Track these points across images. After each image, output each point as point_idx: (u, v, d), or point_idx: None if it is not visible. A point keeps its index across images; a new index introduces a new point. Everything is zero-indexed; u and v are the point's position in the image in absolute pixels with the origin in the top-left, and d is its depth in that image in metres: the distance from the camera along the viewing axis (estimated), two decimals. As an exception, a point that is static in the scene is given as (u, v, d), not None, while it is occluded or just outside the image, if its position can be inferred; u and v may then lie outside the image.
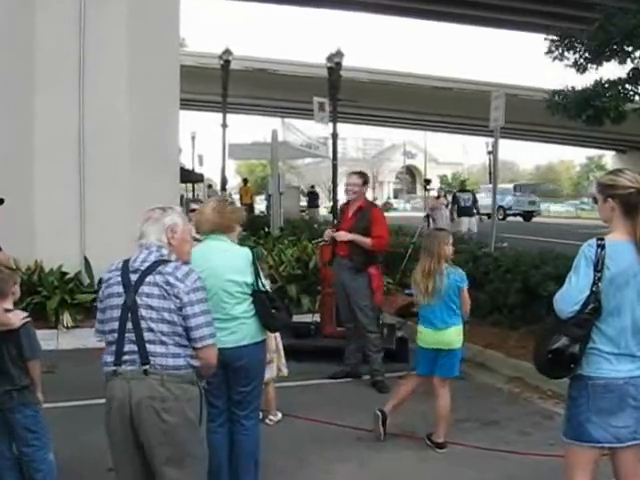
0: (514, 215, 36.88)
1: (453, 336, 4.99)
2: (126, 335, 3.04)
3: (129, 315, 3.05)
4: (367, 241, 6.46)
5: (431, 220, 16.88)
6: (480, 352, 7.40)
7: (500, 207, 34.14)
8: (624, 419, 3.01)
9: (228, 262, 3.91)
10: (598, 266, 2.96)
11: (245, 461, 4.00)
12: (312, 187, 33.17)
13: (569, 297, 3.00)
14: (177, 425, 3.02)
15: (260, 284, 3.96)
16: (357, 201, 6.68)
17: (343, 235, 6.56)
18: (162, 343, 3.04)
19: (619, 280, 2.98)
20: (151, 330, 3.03)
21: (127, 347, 3.04)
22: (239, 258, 3.95)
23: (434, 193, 25.17)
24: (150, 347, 3.03)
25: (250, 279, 3.91)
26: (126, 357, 3.04)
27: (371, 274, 6.62)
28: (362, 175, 6.85)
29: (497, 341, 7.54)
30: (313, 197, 30.43)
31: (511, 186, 41.15)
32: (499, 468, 4.68)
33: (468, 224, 17.60)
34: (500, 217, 32.99)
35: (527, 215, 38.30)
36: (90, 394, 5.42)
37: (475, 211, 18.25)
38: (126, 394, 3.01)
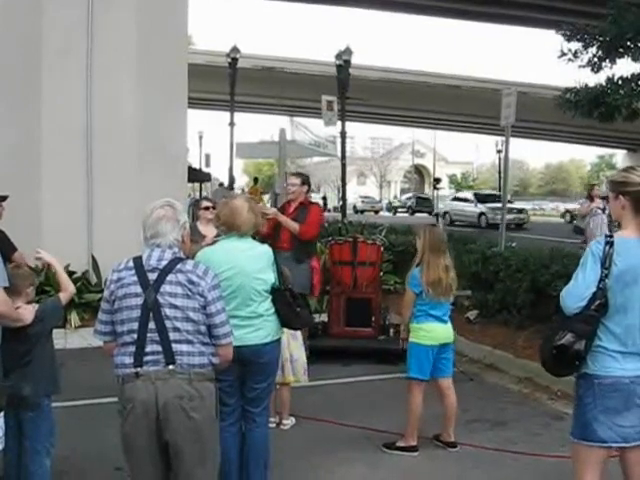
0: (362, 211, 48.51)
1: (452, 329, 5.12)
2: (148, 335, 2.99)
3: (151, 315, 3.00)
4: (295, 226, 6.59)
5: (588, 231, 11.24)
6: (489, 353, 7.36)
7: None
8: (630, 419, 3.00)
9: (255, 260, 3.92)
10: (606, 263, 2.95)
11: (255, 458, 3.99)
12: None
13: (575, 293, 2.99)
14: (203, 422, 3.03)
15: (281, 282, 3.99)
16: (297, 199, 6.86)
17: (272, 211, 6.73)
18: (188, 342, 3.02)
19: (626, 277, 2.96)
20: (177, 330, 3.00)
21: (149, 347, 2.98)
22: (263, 256, 3.98)
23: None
24: (176, 346, 2.99)
25: (272, 277, 3.94)
26: (149, 357, 2.98)
27: (313, 267, 6.74)
28: (300, 176, 7.17)
29: (506, 341, 7.50)
30: None
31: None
32: (509, 469, 4.64)
33: None
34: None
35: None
36: (98, 393, 5.45)
37: None
38: (152, 395, 2.94)
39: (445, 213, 33.20)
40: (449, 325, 5.05)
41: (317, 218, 6.85)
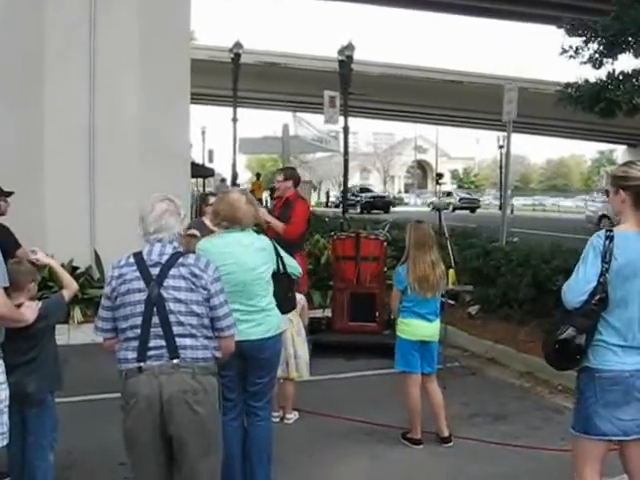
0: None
1: (437, 328, 5.09)
2: (152, 330, 2.99)
3: (154, 309, 3.00)
4: (280, 225, 6.53)
5: None
6: (491, 347, 7.38)
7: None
8: (630, 412, 3.01)
9: (257, 256, 3.88)
10: (606, 257, 2.96)
11: (258, 452, 3.99)
12: None
13: (576, 288, 3.00)
14: (207, 416, 3.04)
15: (284, 267, 4.02)
16: (283, 196, 6.84)
17: (260, 213, 6.65)
18: (192, 336, 3.02)
19: (626, 271, 2.97)
20: (181, 324, 3.00)
21: (153, 342, 2.98)
22: (265, 249, 3.96)
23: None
24: (180, 341, 2.99)
25: (272, 267, 3.94)
26: (152, 352, 2.98)
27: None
28: (284, 171, 7.17)
29: (507, 336, 7.51)
30: None
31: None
32: (510, 463, 4.67)
33: None
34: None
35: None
36: (101, 389, 5.48)
37: None
38: (155, 390, 2.94)
39: (601, 217, 21.25)
40: (434, 324, 5.01)
41: (301, 216, 6.70)
